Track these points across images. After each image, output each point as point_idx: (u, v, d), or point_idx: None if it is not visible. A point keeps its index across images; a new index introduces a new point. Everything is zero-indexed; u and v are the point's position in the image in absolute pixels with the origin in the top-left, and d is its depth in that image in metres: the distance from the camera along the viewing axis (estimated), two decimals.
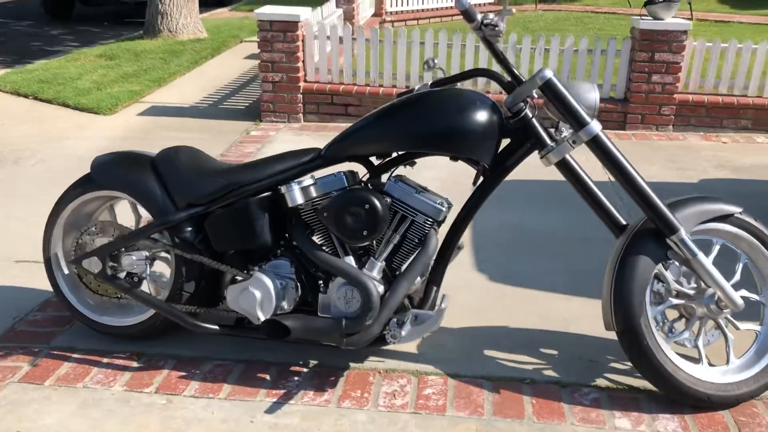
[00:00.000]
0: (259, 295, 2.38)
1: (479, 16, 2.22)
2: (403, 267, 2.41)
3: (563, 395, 2.40)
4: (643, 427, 2.25)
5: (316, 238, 2.43)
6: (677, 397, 2.30)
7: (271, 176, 2.43)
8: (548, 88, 2.27)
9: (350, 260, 2.37)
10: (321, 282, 2.44)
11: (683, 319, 2.44)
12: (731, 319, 2.37)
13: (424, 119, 2.28)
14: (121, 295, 2.59)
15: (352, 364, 2.57)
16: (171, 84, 7.29)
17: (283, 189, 2.38)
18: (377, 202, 2.28)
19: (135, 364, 2.57)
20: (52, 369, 2.53)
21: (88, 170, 2.60)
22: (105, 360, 2.59)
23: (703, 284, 2.34)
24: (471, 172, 2.41)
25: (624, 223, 2.45)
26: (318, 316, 2.40)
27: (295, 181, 2.38)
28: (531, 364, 2.58)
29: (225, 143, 5.33)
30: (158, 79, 7.31)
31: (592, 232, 3.64)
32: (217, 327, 2.49)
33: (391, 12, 11.04)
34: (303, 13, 5.68)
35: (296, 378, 2.49)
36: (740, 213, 2.36)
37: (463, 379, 2.49)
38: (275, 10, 5.70)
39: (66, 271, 2.67)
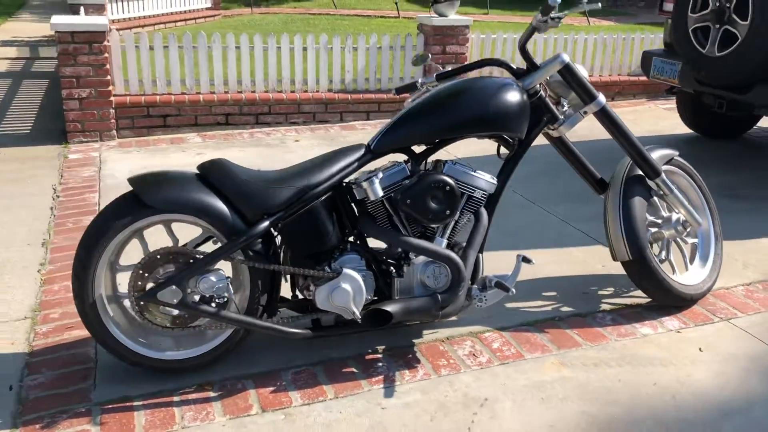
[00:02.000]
0: (351, 290, 2.43)
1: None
2: (453, 239, 2.67)
3: (589, 322, 2.91)
4: (660, 329, 2.86)
5: (385, 227, 2.55)
6: (674, 302, 2.96)
7: (334, 175, 2.48)
8: (567, 70, 2.72)
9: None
10: (392, 268, 2.57)
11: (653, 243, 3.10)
12: (683, 237, 3.10)
13: (472, 105, 2.55)
14: (196, 323, 2.39)
15: (415, 341, 2.75)
16: None
17: (364, 185, 2.45)
18: (454, 183, 2.50)
19: (213, 393, 2.41)
20: (128, 422, 2.25)
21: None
22: (176, 398, 2.38)
23: (666, 213, 3.03)
24: None
25: (599, 177, 3.03)
26: (403, 297, 2.53)
27: (373, 175, 2.48)
28: (546, 305, 3.04)
29: (50, 171, 4.73)
30: None
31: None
32: (309, 331, 2.46)
33: (114, 20, 10.37)
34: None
35: (380, 364, 2.60)
36: (678, 155, 3.10)
37: (510, 330, 2.84)
38: (76, 20, 5.18)
39: (111, 313, 2.36)
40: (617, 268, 3.37)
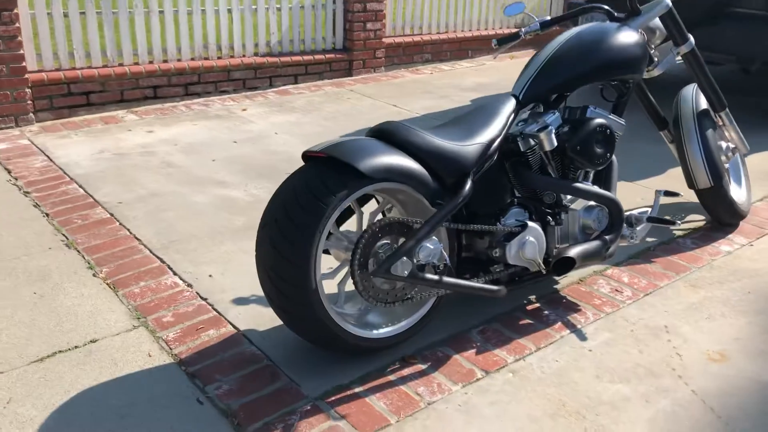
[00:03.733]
0: (536, 242, 2.44)
1: None
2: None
3: (677, 248, 3.16)
4: (735, 245, 3.20)
5: (544, 175, 2.56)
6: (735, 221, 3.32)
7: (503, 128, 2.44)
8: (669, 13, 2.88)
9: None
10: (549, 217, 2.60)
11: None
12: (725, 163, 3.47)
13: (615, 50, 2.62)
14: (410, 295, 2.23)
15: (555, 287, 2.82)
16: None
17: (542, 136, 2.44)
18: (611, 126, 2.58)
19: (423, 366, 2.30)
20: (368, 409, 2.09)
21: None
22: (392, 377, 2.24)
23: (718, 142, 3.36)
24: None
25: (663, 115, 3.28)
26: (577, 243, 2.56)
27: (549, 126, 2.47)
28: None
29: None
30: None
31: None
32: (504, 288, 2.42)
33: None
34: None
35: (546, 312, 2.64)
36: None
37: (623, 265, 3.01)
38: None
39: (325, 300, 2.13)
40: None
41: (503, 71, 6.65)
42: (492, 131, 2.40)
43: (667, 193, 2.84)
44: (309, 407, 2.10)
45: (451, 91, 5.88)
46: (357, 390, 2.18)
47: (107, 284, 2.78)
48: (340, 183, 2.08)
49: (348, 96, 5.67)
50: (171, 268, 2.91)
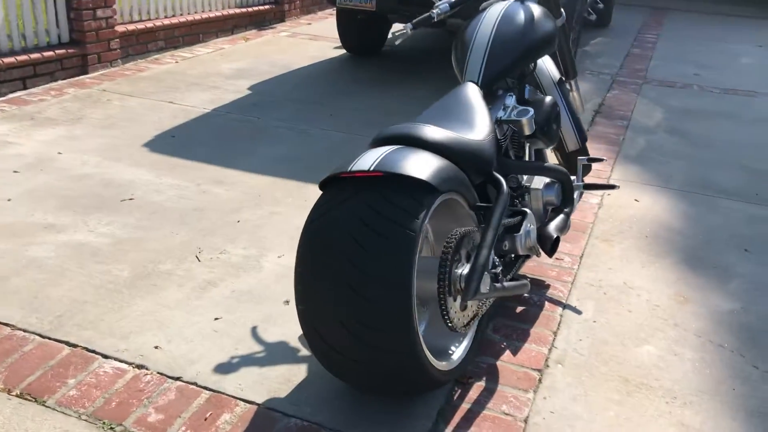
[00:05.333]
0: (534, 227, 2.42)
1: None
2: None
3: None
4: (596, 196, 3.57)
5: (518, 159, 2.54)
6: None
7: (491, 118, 2.34)
8: None
9: None
10: (517, 200, 2.59)
11: None
12: None
13: (545, 26, 2.66)
14: (478, 311, 1.99)
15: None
16: None
17: (524, 121, 2.38)
18: (558, 104, 2.64)
19: (482, 383, 2.15)
20: None
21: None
22: (466, 405, 2.05)
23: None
24: None
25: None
26: (549, 222, 2.57)
27: (530, 110, 2.41)
28: None
29: None
30: None
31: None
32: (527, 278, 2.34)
33: None
34: None
35: (526, 295, 2.65)
36: None
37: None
38: None
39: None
40: None
41: (252, 54, 6.29)
42: (486, 122, 2.28)
43: (590, 160, 3.04)
44: None
45: (216, 80, 5.38)
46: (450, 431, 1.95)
47: (19, 396, 1.99)
48: (416, 202, 1.78)
49: (106, 97, 4.81)
50: (94, 351, 2.20)
